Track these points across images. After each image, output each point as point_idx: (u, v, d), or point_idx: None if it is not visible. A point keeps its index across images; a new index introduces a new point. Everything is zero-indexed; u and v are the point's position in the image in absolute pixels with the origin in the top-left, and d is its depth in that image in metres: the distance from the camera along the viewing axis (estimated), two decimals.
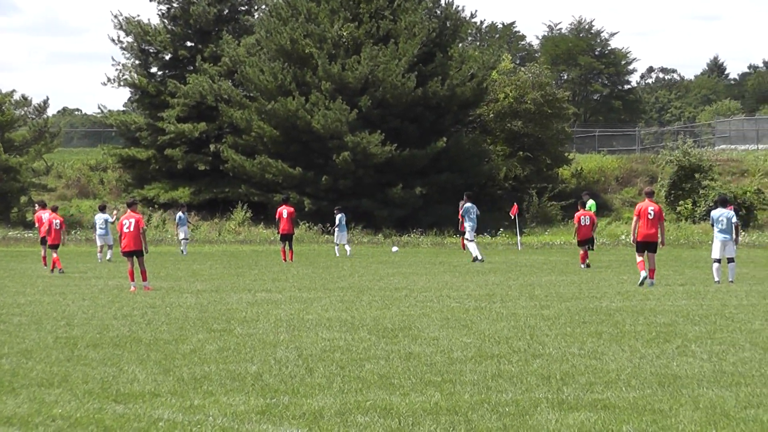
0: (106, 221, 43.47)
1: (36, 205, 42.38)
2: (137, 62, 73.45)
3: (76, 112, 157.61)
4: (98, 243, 43.55)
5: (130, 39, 73.00)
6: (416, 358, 14.65)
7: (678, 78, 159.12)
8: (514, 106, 69.66)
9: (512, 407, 11.29)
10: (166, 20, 73.37)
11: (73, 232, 62.41)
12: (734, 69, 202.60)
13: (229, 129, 69.28)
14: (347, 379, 13.03)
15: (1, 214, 65.98)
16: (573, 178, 72.33)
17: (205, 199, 68.63)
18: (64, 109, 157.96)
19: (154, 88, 71.81)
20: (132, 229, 27.59)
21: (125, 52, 73.58)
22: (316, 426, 10.54)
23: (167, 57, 73.91)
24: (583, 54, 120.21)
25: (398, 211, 64.36)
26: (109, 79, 72.80)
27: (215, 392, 12.29)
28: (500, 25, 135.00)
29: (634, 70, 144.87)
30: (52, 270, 35.48)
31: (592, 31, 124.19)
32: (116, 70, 73.02)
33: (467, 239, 41.32)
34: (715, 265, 29.00)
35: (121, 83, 72.61)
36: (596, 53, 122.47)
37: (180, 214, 50.72)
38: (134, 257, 27.62)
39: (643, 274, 27.88)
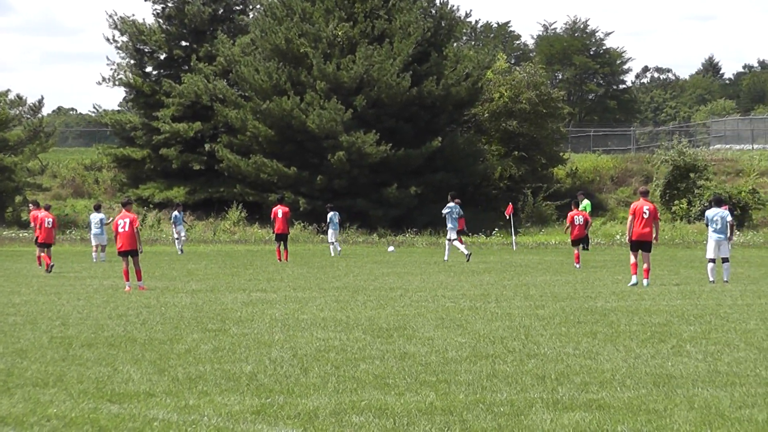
0: (101, 221, 43.43)
1: (30, 204, 42.35)
2: (132, 62, 73.38)
3: (71, 112, 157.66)
4: (93, 243, 43.51)
5: (125, 38, 72.92)
6: (411, 358, 14.65)
7: (673, 78, 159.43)
8: (509, 106, 69.64)
9: (507, 407, 11.30)
10: (161, 20, 73.30)
11: (68, 232, 62.42)
12: (729, 69, 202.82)
13: (224, 128, 69.22)
14: (342, 379, 13.03)
15: None
16: (568, 178, 72.34)
17: (200, 198, 68.55)
18: (59, 109, 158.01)
19: (149, 87, 71.74)
20: (127, 228, 27.61)
21: (120, 52, 73.51)
22: (311, 426, 10.54)
23: (162, 56, 73.82)
24: (578, 54, 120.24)
25: (393, 211, 64.36)
26: (104, 79, 72.74)
27: (210, 392, 12.29)
28: (495, 25, 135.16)
29: (629, 70, 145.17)
30: (47, 269, 35.49)
31: (587, 31, 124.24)
32: (111, 69, 72.97)
33: (448, 239, 41.97)
34: (710, 264, 29.03)
35: (116, 83, 72.54)
36: (591, 53, 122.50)
37: (176, 213, 50.71)
38: (129, 257, 27.66)
39: (634, 278, 27.94)
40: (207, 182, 68.99)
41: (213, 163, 68.02)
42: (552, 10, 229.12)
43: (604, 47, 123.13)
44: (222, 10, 73.78)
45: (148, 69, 74.38)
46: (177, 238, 49.89)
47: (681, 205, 64.42)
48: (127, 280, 27.52)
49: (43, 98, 75.48)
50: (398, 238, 61.16)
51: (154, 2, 73.38)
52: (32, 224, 39.36)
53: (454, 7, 71.30)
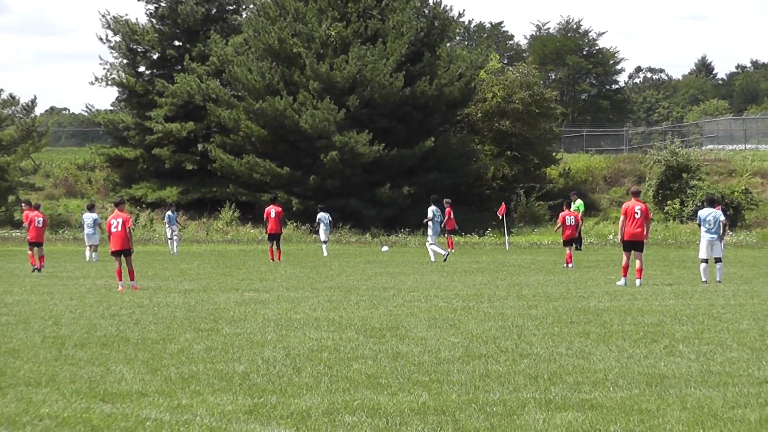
0: (94, 221, 43.37)
1: (23, 204, 42.31)
2: (125, 61, 73.30)
3: (64, 112, 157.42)
4: (86, 242, 43.47)
5: (117, 38, 72.84)
6: (404, 358, 14.65)
7: (666, 78, 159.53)
8: (502, 106, 69.65)
9: (500, 407, 11.30)
10: (153, 19, 73.23)
11: (60, 232, 62.35)
12: (722, 69, 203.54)
13: (216, 128, 69.16)
14: (335, 379, 13.03)
15: None
16: (561, 178, 72.37)
17: (193, 198, 68.50)
18: (52, 109, 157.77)
19: (142, 87, 71.69)
20: (120, 228, 27.59)
21: (113, 52, 73.43)
22: (303, 426, 10.54)
23: (155, 56, 73.75)
24: (571, 54, 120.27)
25: (386, 211, 64.37)
26: (96, 79, 72.68)
27: (203, 392, 12.28)
28: (488, 25, 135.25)
29: (622, 70, 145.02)
30: (39, 269, 35.46)
31: (580, 31, 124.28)
32: (104, 69, 72.84)
33: (428, 242, 42.05)
34: (703, 265, 29.05)
35: (109, 82, 72.48)
36: (584, 53, 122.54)
37: (169, 212, 50.68)
38: (122, 257, 27.65)
39: (623, 281, 27.98)
40: (200, 182, 68.96)
41: (206, 163, 67.98)
42: (545, 10, 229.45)
43: (597, 47, 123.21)
44: (215, 10, 73.73)
45: (141, 69, 74.34)
46: (170, 238, 49.86)
47: (674, 206, 64.44)
48: (120, 279, 27.50)
49: (36, 98, 75.78)
50: (391, 238, 61.15)
51: (147, 2, 73.33)
52: (25, 224, 39.33)
53: (447, 7, 71.26)
